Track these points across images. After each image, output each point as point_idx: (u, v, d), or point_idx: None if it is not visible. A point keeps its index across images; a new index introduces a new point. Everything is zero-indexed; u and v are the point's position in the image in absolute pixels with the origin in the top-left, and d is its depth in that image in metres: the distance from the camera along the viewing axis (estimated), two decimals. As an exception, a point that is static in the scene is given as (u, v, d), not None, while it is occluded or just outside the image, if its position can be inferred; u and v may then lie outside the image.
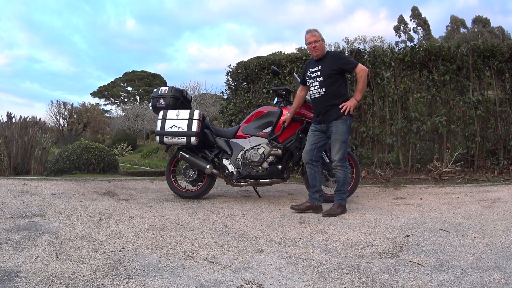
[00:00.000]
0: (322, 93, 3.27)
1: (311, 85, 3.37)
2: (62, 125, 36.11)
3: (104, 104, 46.47)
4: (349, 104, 3.19)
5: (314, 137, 3.35)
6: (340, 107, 3.20)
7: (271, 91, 5.89)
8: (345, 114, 3.19)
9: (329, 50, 3.42)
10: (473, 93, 5.38)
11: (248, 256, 2.12)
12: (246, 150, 3.75)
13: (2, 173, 5.95)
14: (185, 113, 3.73)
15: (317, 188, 3.33)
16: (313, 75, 3.34)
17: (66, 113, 36.15)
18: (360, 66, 3.22)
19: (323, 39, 3.31)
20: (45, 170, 6.43)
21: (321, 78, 3.27)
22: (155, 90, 4.06)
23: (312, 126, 3.41)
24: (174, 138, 3.70)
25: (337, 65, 3.24)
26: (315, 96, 3.34)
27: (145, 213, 3.13)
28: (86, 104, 38.14)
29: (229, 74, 6.80)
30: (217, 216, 3.10)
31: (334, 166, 3.30)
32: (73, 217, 2.86)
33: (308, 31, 3.33)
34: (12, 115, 6.71)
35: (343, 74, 3.31)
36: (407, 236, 2.49)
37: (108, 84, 47.95)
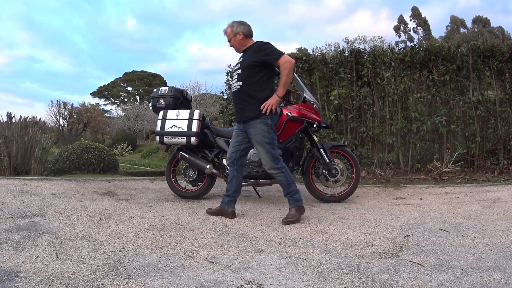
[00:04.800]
0: (239, 86, 2.95)
1: (232, 80, 3.08)
2: (62, 125, 36.19)
3: (104, 104, 46.58)
4: (271, 102, 2.85)
5: (237, 138, 3.07)
6: (262, 106, 2.87)
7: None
8: (267, 113, 2.87)
9: (258, 40, 3.01)
10: (473, 93, 5.38)
11: (248, 256, 2.12)
12: (246, 150, 3.74)
13: (2, 173, 5.95)
14: (185, 113, 3.73)
15: (230, 193, 3.06)
16: (235, 67, 3.05)
17: (66, 113, 36.24)
18: (285, 57, 2.83)
19: (238, 32, 2.96)
20: (45, 170, 6.43)
21: (239, 71, 2.97)
22: (155, 90, 4.06)
23: (235, 125, 3.14)
24: (174, 138, 3.70)
25: (258, 56, 2.88)
26: (233, 91, 3.04)
27: (145, 213, 3.13)
28: (86, 104, 38.26)
29: (229, 74, 6.80)
30: (217, 216, 3.09)
31: (270, 172, 2.99)
32: (73, 217, 2.86)
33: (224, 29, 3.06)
34: (12, 115, 6.72)
35: (267, 67, 2.92)
36: (407, 236, 2.49)
37: (108, 84, 47.98)
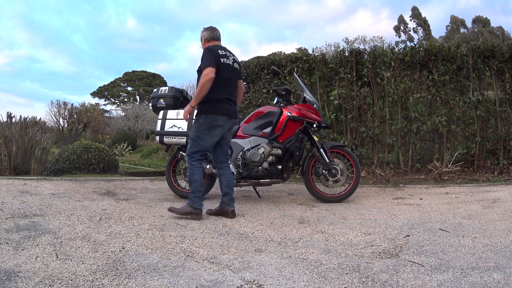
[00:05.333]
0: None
1: None
2: (62, 125, 36.12)
3: (104, 104, 46.47)
4: (184, 110, 3.04)
5: None
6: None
7: (271, 91, 5.89)
8: (185, 119, 3.08)
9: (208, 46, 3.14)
10: (473, 93, 5.38)
11: (248, 256, 2.12)
12: (246, 150, 3.74)
13: (2, 173, 5.95)
14: (185, 113, 3.73)
15: (224, 191, 3.14)
16: None
17: (66, 113, 36.16)
18: (206, 70, 2.88)
19: (201, 38, 3.18)
20: (45, 170, 6.43)
21: None
22: (155, 90, 4.06)
23: None
24: (174, 138, 3.71)
25: (200, 62, 3.05)
26: None
27: (145, 213, 3.13)
28: (86, 104, 38.16)
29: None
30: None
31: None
32: (73, 217, 2.86)
33: None
34: (12, 115, 6.72)
35: None
36: (407, 236, 2.49)
37: (108, 84, 47.92)
